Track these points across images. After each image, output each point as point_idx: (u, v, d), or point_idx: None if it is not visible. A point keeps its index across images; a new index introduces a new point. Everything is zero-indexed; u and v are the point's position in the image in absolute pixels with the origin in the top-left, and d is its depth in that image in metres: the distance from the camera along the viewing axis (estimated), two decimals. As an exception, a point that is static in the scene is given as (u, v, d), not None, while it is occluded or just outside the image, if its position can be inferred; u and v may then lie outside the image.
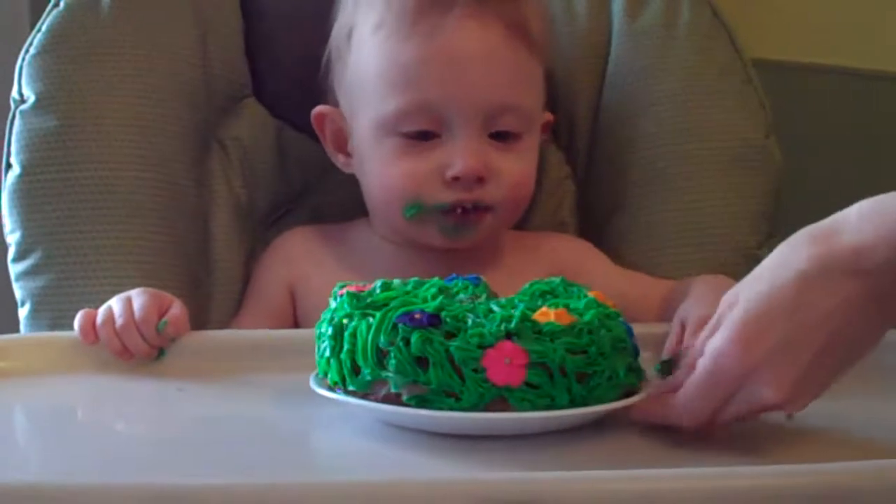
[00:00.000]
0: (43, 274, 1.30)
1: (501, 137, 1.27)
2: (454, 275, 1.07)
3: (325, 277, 1.25)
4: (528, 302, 1.01)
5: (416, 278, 1.04)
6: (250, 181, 1.42)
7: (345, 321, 0.98)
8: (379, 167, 1.28)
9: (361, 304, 0.99)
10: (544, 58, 1.31)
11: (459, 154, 1.24)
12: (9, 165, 1.33)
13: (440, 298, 0.99)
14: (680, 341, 1.12)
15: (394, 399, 0.95)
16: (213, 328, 1.32)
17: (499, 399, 0.94)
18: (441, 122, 1.25)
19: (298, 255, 1.35)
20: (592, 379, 0.96)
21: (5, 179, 1.33)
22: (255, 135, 1.42)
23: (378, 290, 1.01)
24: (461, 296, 1.02)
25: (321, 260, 1.34)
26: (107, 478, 0.88)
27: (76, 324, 1.16)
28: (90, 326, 1.16)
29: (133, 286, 1.21)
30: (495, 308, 0.98)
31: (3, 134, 1.35)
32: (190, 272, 1.35)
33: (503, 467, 0.91)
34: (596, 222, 1.42)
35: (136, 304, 1.16)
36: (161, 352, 1.16)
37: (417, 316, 0.96)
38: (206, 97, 1.39)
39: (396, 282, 1.03)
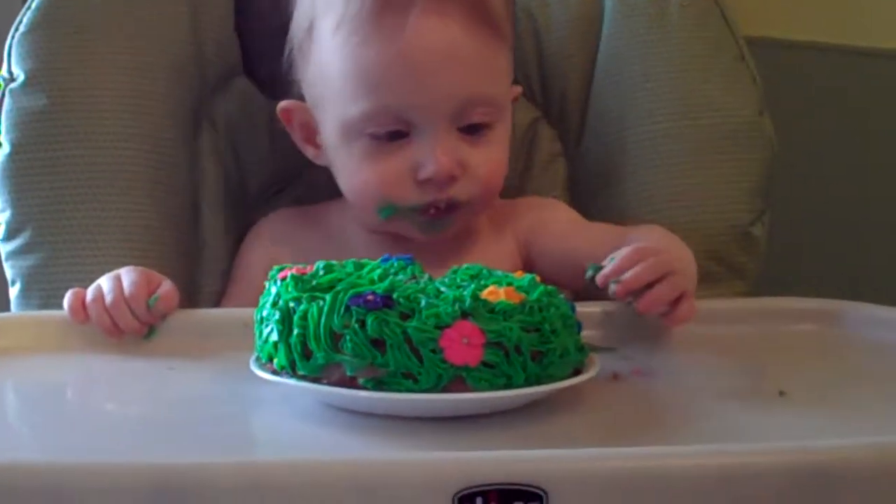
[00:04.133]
0: (33, 253, 1.30)
1: (472, 130, 1.25)
2: (387, 255, 1.05)
3: (297, 259, 1.25)
4: (464, 283, 1.00)
5: (352, 259, 1.03)
6: (241, 160, 1.41)
7: (291, 305, 0.97)
8: (349, 168, 1.27)
9: (307, 286, 0.97)
10: (508, 33, 1.29)
11: (430, 154, 1.22)
12: (-2, 144, 1.33)
13: (389, 279, 0.98)
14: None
15: (348, 382, 0.94)
16: (204, 307, 1.32)
17: (456, 379, 0.93)
18: (409, 122, 1.23)
19: (281, 238, 1.35)
20: (546, 357, 0.95)
21: (-5, 158, 1.32)
22: (246, 113, 1.42)
23: (321, 273, 1.00)
24: (401, 276, 1.01)
25: (302, 243, 1.33)
26: (97, 457, 0.88)
27: (66, 302, 1.16)
28: (80, 305, 1.15)
29: (123, 265, 1.21)
30: (443, 288, 0.98)
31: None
32: (180, 251, 1.34)
33: (461, 447, 0.90)
34: (588, 199, 1.42)
35: (126, 282, 1.16)
36: (151, 331, 1.16)
37: (370, 297, 0.94)
38: (196, 75, 1.39)
39: (335, 263, 1.02)
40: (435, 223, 1.26)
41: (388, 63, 1.21)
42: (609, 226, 1.34)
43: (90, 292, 1.16)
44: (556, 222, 1.34)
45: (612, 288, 1.13)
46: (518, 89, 1.35)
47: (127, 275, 1.17)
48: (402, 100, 1.22)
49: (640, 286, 1.12)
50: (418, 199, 1.24)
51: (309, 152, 1.33)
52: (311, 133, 1.31)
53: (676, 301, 1.13)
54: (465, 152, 1.24)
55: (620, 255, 1.14)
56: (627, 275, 1.12)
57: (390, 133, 1.23)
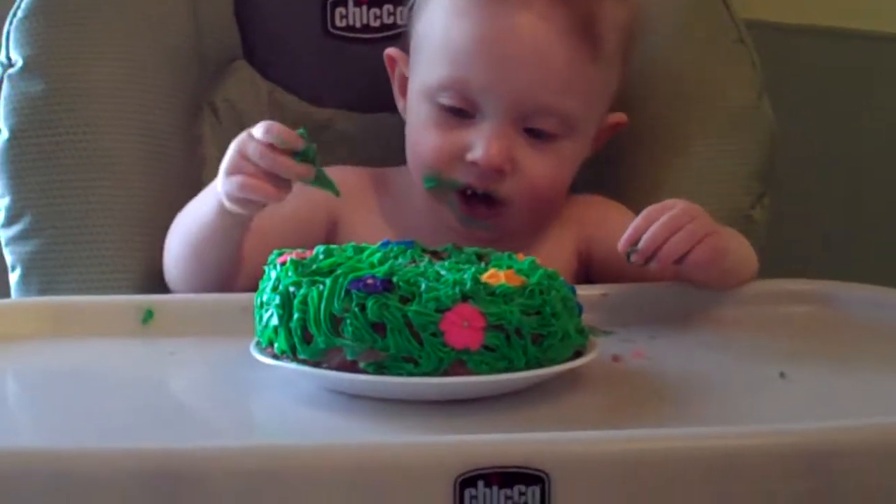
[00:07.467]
0: (33, 239, 1.30)
1: (536, 134, 1.24)
2: (386, 240, 1.05)
3: (368, 221, 1.26)
4: (470, 264, 1.00)
5: (352, 243, 1.03)
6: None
7: (291, 289, 0.96)
8: (413, 130, 1.28)
9: (307, 270, 0.97)
10: (613, 57, 1.27)
11: (484, 140, 1.22)
12: (-3, 130, 1.32)
13: (389, 262, 0.98)
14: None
15: (348, 366, 0.94)
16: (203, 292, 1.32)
17: (456, 363, 0.93)
18: (476, 105, 1.23)
19: (349, 192, 1.28)
20: (546, 340, 0.95)
21: (-6, 144, 1.32)
22: (246, 98, 1.41)
23: (321, 257, 1.00)
24: (400, 260, 1.01)
25: (365, 202, 1.32)
26: (97, 442, 0.88)
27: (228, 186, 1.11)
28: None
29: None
30: (443, 271, 0.98)
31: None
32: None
33: (462, 430, 0.90)
34: (587, 183, 1.41)
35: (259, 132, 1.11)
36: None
37: (370, 281, 0.94)
38: (195, 60, 1.38)
39: (336, 248, 1.02)
40: (473, 220, 1.26)
41: (475, 40, 1.22)
42: None
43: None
44: (620, 223, 1.32)
45: (632, 257, 1.13)
46: (620, 116, 1.32)
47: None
48: (474, 80, 1.22)
49: (657, 246, 1.12)
50: (460, 177, 1.24)
51: (400, 104, 1.33)
52: (404, 86, 1.32)
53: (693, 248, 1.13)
54: (521, 152, 1.24)
55: (632, 224, 1.14)
56: (641, 242, 1.12)
57: (457, 109, 1.24)
